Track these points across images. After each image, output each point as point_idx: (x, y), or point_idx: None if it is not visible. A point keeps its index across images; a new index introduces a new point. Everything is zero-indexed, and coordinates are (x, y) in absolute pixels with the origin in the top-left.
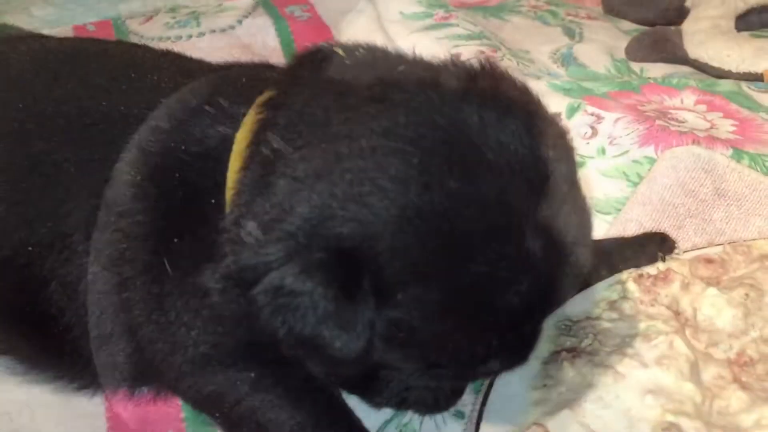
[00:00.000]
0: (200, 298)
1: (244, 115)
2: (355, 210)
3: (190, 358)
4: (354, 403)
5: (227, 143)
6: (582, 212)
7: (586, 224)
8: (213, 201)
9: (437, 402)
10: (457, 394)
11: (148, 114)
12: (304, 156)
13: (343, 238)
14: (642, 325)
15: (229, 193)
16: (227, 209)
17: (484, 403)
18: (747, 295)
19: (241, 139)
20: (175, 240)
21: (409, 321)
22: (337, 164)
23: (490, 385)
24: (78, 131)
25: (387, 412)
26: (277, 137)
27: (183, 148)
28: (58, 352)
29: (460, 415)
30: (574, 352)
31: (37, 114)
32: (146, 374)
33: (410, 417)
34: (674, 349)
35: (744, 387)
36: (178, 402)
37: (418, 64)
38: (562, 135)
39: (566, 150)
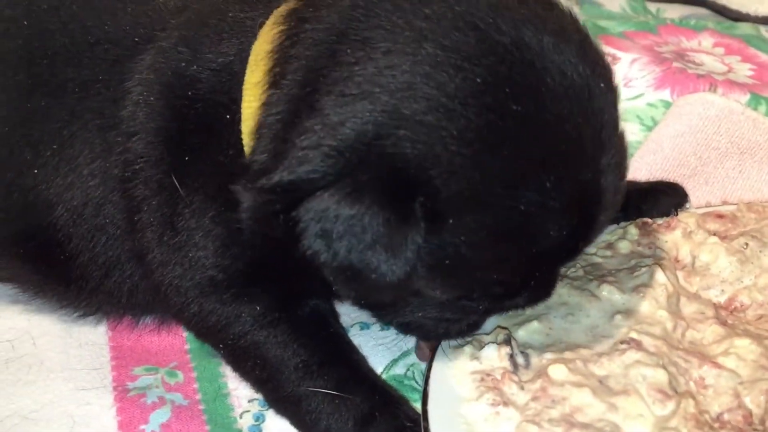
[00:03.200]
0: (213, 217)
1: (260, 26)
2: (411, 128)
3: (197, 281)
4: (360, 341)
5: (242, 57)
6: (624, 151)
7: (625, 164)
8: (228, 117)
9: (448, 332)
10: (473, 328)
11: (154, 35)
12: (353, 72)
13: (397, 158)
14: (632, 263)
15: (248, 109)
16: (248, 126)
17: None
18: (746, 244)
19: (259, 52)
20: (188, 159)
21: (457, 248)
22: (393, 79)
23: None
24: (81, 51)
25: (394, 351)
26: (314, 51)
27: (194, 66)
28: (63, 280)
29: None
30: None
31: (42, 32)
32: (151, 303)
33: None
34: (654, 279)
35: (723, 324)
36: (183, 333)
37: None
38: (609, 68)
39: (613, 83)
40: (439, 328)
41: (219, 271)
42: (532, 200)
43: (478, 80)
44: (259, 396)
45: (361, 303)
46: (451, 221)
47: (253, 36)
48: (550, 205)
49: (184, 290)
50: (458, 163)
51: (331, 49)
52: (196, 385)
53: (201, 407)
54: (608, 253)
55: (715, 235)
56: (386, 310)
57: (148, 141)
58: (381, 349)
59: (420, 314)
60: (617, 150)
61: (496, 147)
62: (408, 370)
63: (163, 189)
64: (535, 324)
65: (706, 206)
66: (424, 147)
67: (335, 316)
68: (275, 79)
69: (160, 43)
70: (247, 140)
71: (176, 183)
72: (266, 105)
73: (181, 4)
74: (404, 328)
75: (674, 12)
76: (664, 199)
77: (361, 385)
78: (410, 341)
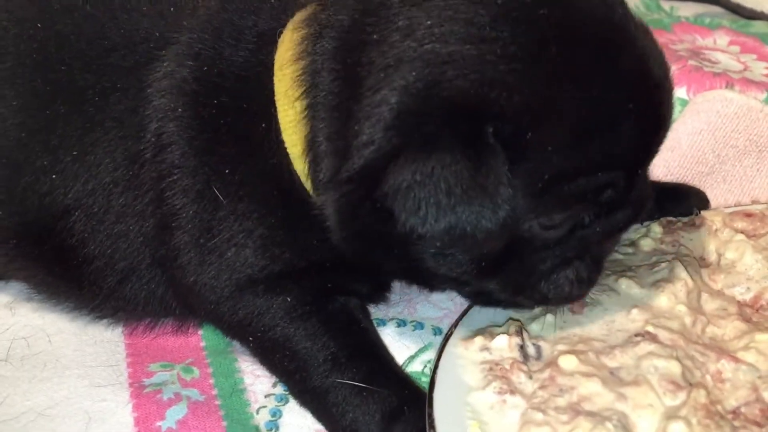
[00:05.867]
0: (257, 220)
1: (279, 34)
2: (455, 65)
3: (234, 281)
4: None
5: (266, 64)
6: (655, 42)
7: (663, 56)
8: (263, 126)
9: (582, 282)
10: (596, 271)
11: (169, 38)
12: (381, 49)
13: (453, 97)
14: (654, 259)
15: (285, 118)
16: (292, 139)
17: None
18: None
19: (283, 58)
20: (228, 170)
21: (549, 161)
22: (422, 37)
23: None
24: (98, 56)
25: (411, 348)
26: (337, 46)
27: (216, 71)
28: (76, 283)
29: None
30: None
31: (57, 36)
32: (169, 308)
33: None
34: (674, 274)
35: (746, 320)
36: (198, 332)
37: None
38: None
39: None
40: (563, 284)
41: (258, 270)
42: (597, 85)
43: (498, 2)
44: (275, 391)
45: (477, 270)
46: (529, 135)
47: (273, 44)
48: (617, 96)
49: (219, 288)
50: (513, 80)
51: (352, 40)
52: (212, 381)
53: (217, 403)
54: (630, 250)
55: (742, 233)
56: (507, 278)
57: (183, 152)
58: (398, 346)
59: (539, 270)
60: (647, 35)
61: (541, 51)
62: (425, 366)
63: (202, 197)
64: (549, 317)
65: (728, 205)
66: (474, 76)
67: (365, 311)
68: (309, 84)
69: (177, 47)
70: (292, 147)
71: (218, 193)
72: (309, 112)
73: (192, 6)
74: (530, 296)
75: (688, 10)
76: (686, 199)
77: (390, 379)
78: (427, 337)
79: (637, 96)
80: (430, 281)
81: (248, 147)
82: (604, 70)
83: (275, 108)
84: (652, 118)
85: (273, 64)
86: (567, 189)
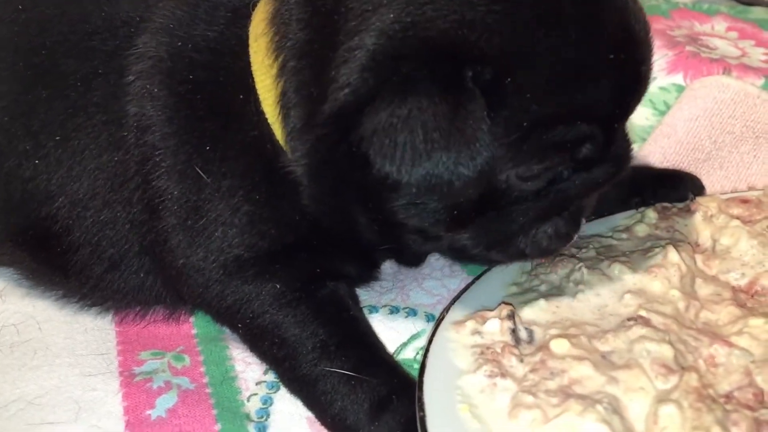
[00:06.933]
0: (242, 196)
1: (253, 7)
2: (434, 7)
3: (222, 262)
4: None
5: (240, 37)
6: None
7: (645, 16)
8: (242, 97)
9: (560, 237)
10: (574, 227)
11: (145, 17)
12: None
13: (432, 38)
14: (648, 244)
15: (262, 84)
16: (268, 101)
17: (465, 290)
18: None
19: (257, 28)
20: (209, 147)
21: (527, 108)
22: None
23: (476, 279)
24: (80, 41)
25: (404, 335)
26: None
27: (190, 46)
28: (62, 272)
29: None
30: (567, 256)
31: (39, 19)
32: (159, 296)
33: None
34: (667, 259)
35: (741, 306)
36: (190, 319)
37: None
38: None
39: None
40: (541, 239)
41: (245, 249)
42: (577, 32)
43: None
44: (266, 378)
45: (453, 221)
46: (508, 81)
47: (248, 17)
48: (594, 34)
49: (208, 271)
50: (493, 21)
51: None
52: (203, 369)
53: (208, 391)
54: (624, 236)
55: (737, 219)
56: (482, 230)
57: (163, 133)
58: (390, 333)
59: (516, 224)
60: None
61: None
62: (418, 353)
63: (186, 177)
64: (541, 302)
65: (725, 192)
66: (454, 17)
67: (355, 299)
68: (280, 44)
69: (151, 26)
70: (271, 113)
71: (200, 172)
72: (281, 71)
73: None
74: (504, 250)
75: None
76: (681, 184)
77: (380, 368)
78: (420, 324)
79: (618, 47)
80: (400, 239)
81: (228, 121)
82: (585, 18)
83: (253, 80)
84: (632, 72)
85: (248, 37)
86: (545, 138)
